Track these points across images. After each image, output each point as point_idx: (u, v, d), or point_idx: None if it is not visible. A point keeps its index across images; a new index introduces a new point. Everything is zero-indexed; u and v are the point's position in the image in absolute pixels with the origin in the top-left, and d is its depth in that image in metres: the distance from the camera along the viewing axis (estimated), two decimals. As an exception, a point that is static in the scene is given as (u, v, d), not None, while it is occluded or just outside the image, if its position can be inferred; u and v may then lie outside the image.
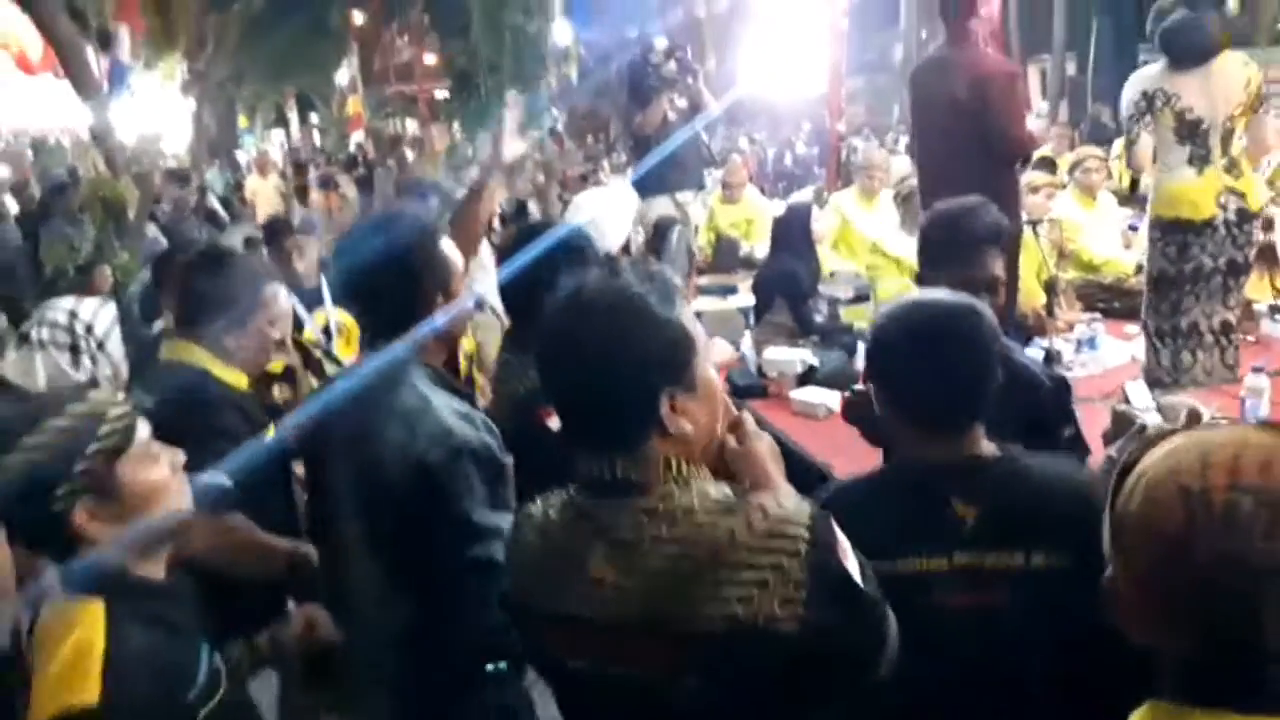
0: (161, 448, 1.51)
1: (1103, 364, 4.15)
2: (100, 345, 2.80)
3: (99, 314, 2.85)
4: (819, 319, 4.57)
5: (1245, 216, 3.53)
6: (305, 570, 2.08)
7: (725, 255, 6.04)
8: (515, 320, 2.54)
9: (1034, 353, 4.15)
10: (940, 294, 1.74)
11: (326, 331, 3.16)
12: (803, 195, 6.89)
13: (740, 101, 13.54)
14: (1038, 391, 2.13)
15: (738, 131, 15.75)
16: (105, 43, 8.91)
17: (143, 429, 1.49)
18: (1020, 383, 2.06)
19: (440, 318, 1.92)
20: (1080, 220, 5.21)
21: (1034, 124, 4.20)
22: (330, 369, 2.97)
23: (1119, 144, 4.42)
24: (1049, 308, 4.28)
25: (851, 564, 1.28)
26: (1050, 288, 4.32)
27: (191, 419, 2.11)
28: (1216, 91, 3.46)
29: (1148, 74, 3.61)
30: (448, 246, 1.97)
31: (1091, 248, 5.12)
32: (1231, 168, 3.54)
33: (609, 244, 2.93)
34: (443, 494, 1.77)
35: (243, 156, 17.66)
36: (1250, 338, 4.14)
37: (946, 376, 1.61)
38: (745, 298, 5.13)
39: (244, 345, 2.37)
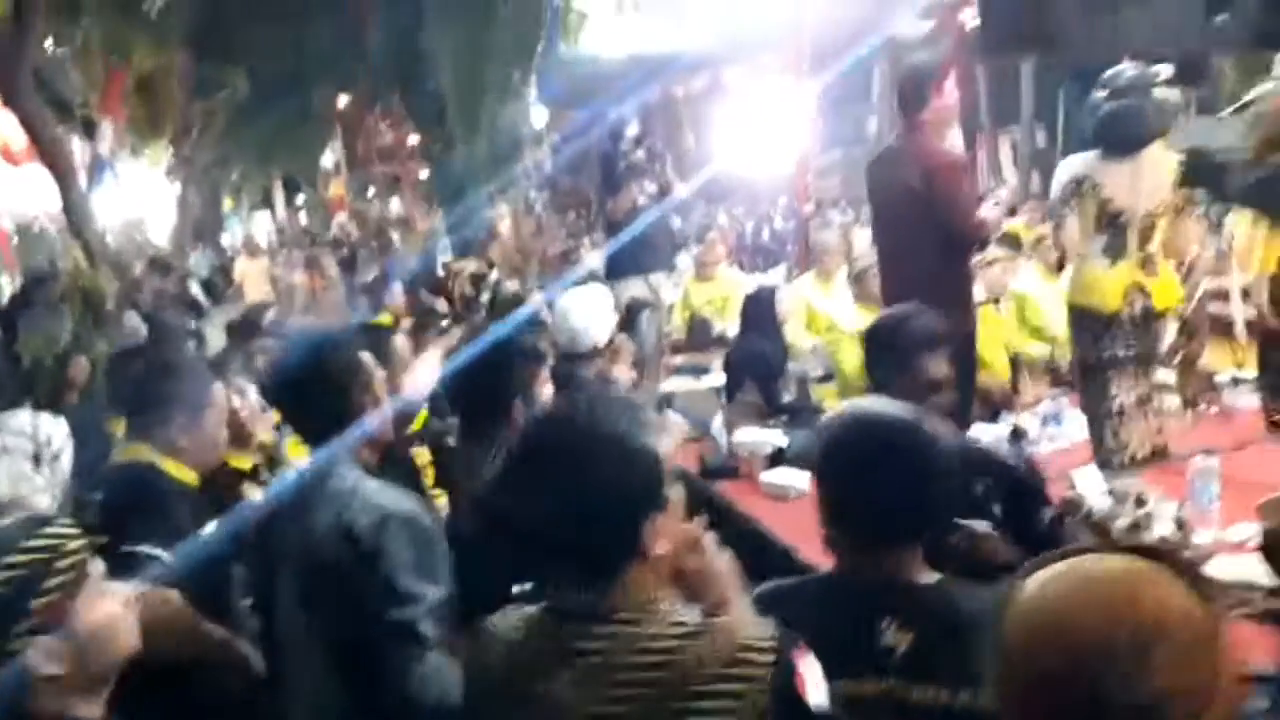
0: (112, 584, 1.52)
1: (1069, 438, 4.19)
2: (55, 458, 2.88)
3: (55, 429, 2.94)
4: (787, 398, 4.62)
5: (1150, 315, 3.57)
6: (240, 664, 2.07)
7: (699, 335, 6.11)
8: (468, 415, 2.58)
9: (1000, 429, 4.20)
10: (884, 406, 1.72)
11: (279, 428, 3.21)
12: (774, 274, 7.00)
13: (719, 178, 13.80)
14: (1010, 475, 2.14)
15: (716, 208, 16.00)
16: (90, 133, 9.06)
17: (96, 564, 1.51)
18: (990, 470, 2.09)
19: (367, 422, 2.03)
20: (1043, 296, 5.30)
21: (990, 211, 4.25)
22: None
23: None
24: (1014, 383, 4.33)
25: (813, 691, 1.27)
26: (1014, 363, 4.38)
27: (139, 509, 2.23)
28: (1142, 185, 3.48)
29: (1079, 159, 3.65)
30: (367, 357, 2.10)
31: (1054, 323, 5.20)
32: (1146, 263, 3.56)
33: (597, 339, 2.99)
34: (369, 559, 1.83)
35: (227, 239, 17.83)
36: (1213, 409, 4.20)
37: (882, 494, 1.57)
38: (718, 377, 5.17)
39: (195, 444, 2.44)
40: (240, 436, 2.98)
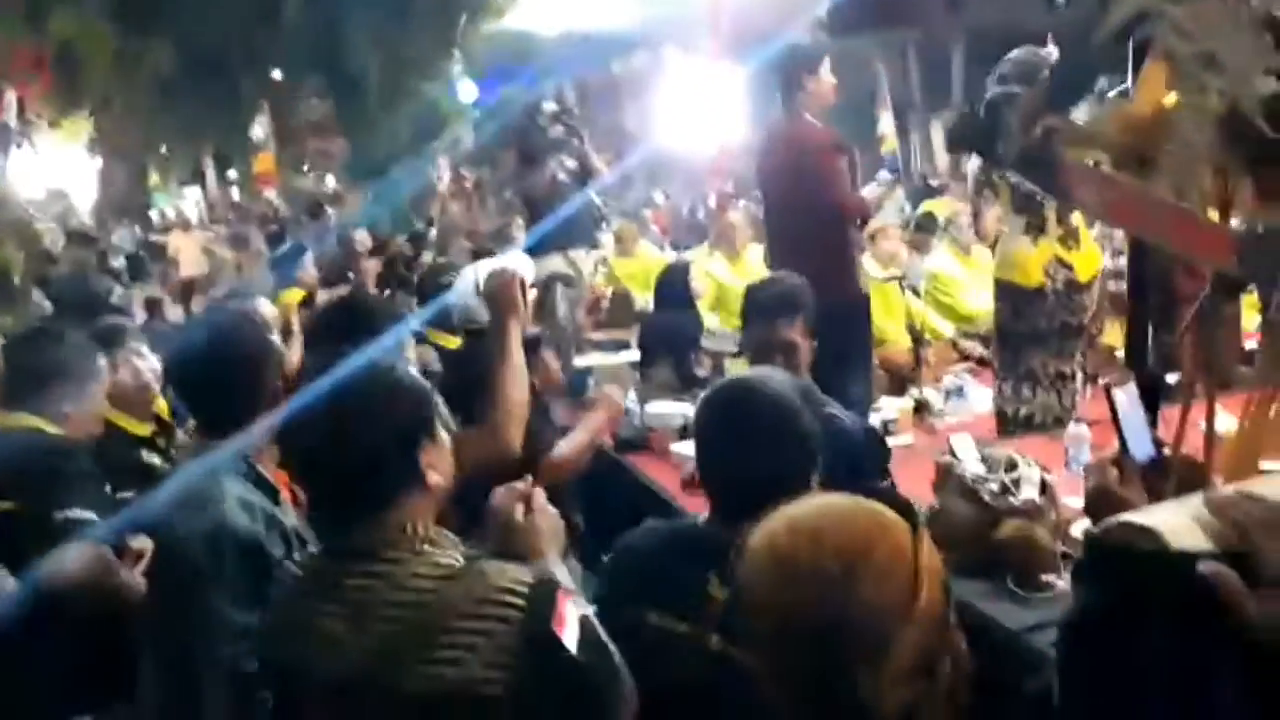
0: None
1: (973, 411, 4.31)
2: None
3: None
4: (701, 373, 4.66)
5: (1073, 287, 3.75)
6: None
7: (619, 310, 6.13)
8: None
9: (904, 402, 4.29)
10: (766, 380, 1.80)
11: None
12: (697, 251, 7.05)
13: (657, 156, 13.81)
14: (850, 443, 2.21)
15: (653, 187, 16.00)
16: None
17: None
18: (834, 437, 2.14)
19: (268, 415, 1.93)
20: (956, 275, 5.42)
21: (872, 191, 4.42)
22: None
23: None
24: (916, 358, 4.43)
25: (569, 634, 1.33)
26: (917, 338, 4.48)
27: (40, 471, 2.21)
28: None
29: None
30: (277, 340, 2.12)
31: (968, 302, 5.33)
32: (1067, 238, 3.71)
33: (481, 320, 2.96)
34: (199, 579, 1.78)
35: (156, 215, 17.37)
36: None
37: (748, 465, 1.66)
38: (636, 353, 5.21)
39: (78, 414, 2.43)
40: (139, 402, 2.94)
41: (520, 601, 1.32)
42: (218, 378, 1.97)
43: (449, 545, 1.42)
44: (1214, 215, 1.65)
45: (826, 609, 0.90)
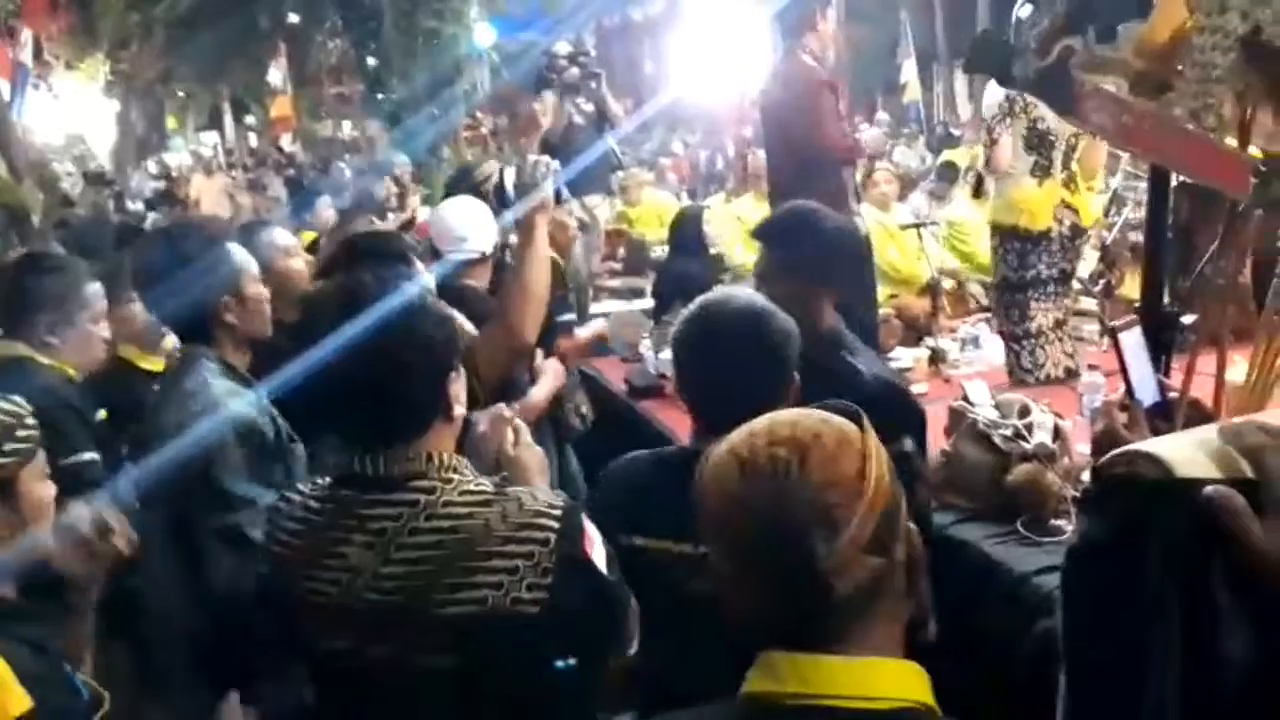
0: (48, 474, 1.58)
1: (988, 362, 4.29)
2: None
3: None
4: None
5: (1077, 232, 3.72)
6: None
7: (634, 258, 6.11)
8: None
9: (920, 353, 4.27)
10: (736, 294, 1.81)
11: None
12: (715, 199, 7.00)
13: (677, 104, 13.64)
14: (865, 396, 2.17)
15: (673, 135, 15.85)
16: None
17: (42, 452, 1.57)
18: (842, 389, 2.11)
19: (238, 316, 2.03)
20: (975, 222, 5.36)
21: (868, 132, 4.54)
22: None
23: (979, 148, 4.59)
24: (934, 308, 4.40)
25: (598, 555, 1.38)
26: (934, 288, 4.45)
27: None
28: None
29: None
30: (237, 250, 2.07)
31: (985, 250, 5.27)
32: (1069, 182, 3.68)
33: (478, 245, 2.94)
34: (200, 462, 1.85)
35: (172, 159, 17.36)
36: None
37: (721, 375, 1.66)
38: (650, 301, 5.21)
39: (68, 343, 2.43)
40: (150, 338, 2.96)
41: (555, 524, 1.34)
42: (178, 285, 1.98)
43: (470, 473, 1.41)
44: (1232, 141, 1.62)
45: (780, 489, 0.94)
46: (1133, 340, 1.51)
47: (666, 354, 4.47)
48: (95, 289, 2.51)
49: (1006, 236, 3.72)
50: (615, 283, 5.95)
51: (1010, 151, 3.70)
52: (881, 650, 0.97)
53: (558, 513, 1.36)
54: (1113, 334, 1.47)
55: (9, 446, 1.49)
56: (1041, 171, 3.63)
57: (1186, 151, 1.61)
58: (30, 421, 1.53)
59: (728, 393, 1.59)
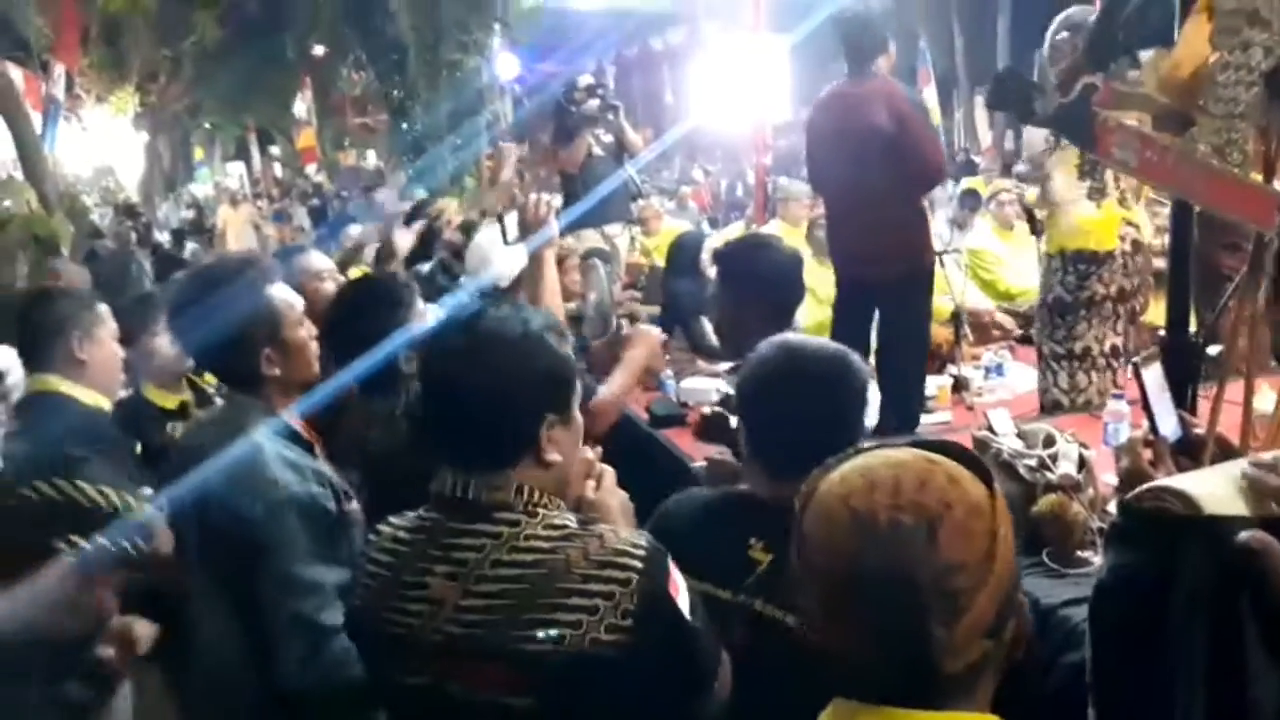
0: None
1: (1012, 390, 4.25)
2: (4, 395, 2.88)
3: (12, 362, 2.93)
4: (712, 341, 4.69)
5: (1138, 248, 3.67)
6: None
7: (655, 287, 6.13)
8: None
9: (943, 381, 4.25)
10: (811, 341, 1.80)
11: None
12: (735, 227, 7.03)
13: (697, 133, 13.73)
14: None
15: (693, 164, 15.95)
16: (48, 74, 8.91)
17: None
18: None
19: (281, 366, 1.91)
20: (997, 251, 5.35)
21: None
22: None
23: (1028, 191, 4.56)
24: (957, 336, 4.38)
25: (682, 599, 1.34)
26: (958, 316, 4.42)
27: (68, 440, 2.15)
28: None
29: None
30: (279, 291, 1.95)
31: (1007, 278, 5.26)
32: (1122, 200, 3.67)
33: (500, 274, 2.98)
34: (263, 547, 1.75)
35: (198, 190, 17.62)
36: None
37: (794, 422, 1.62)
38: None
39: (98, 360, 2.46)
40: (171, 375, 2.98)
41: (638, 564, 1.31)
42: (231, 332, 1.86)
43: (557, 509, 1.39)
44: (1257, 177, 1.61)
45: (903, 566, 0.88)
46: (1154, 375, 1.50)
47: (686, 384, 4.50)
48: (105, 309, 2.56)
49: (1071, 259, 3.68)
50: (636, 310, 5.97)
51: (1063, 184, 3.68)
52: (971, 708, 0.93)
53: (642, 552, 1.32)
54: (1135, 369, 1.46)
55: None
56: (1097, 194, 3.63)
57: (1211, 186, 1.60)
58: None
59: (804, 438, 1.51)
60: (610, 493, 1.55)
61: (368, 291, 2.38)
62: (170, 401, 2.97)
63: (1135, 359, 1.49)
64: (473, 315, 1.40)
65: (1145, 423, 1.43)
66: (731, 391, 4.26)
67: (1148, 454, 1.34)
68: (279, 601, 1.74)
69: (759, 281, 2.47)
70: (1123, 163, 1.73)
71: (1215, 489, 0.80)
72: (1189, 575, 0.77)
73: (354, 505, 1.92)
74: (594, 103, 5.29)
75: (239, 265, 1.99)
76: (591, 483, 1.54)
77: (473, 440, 1.37)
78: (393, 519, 1.47)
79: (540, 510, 1.36)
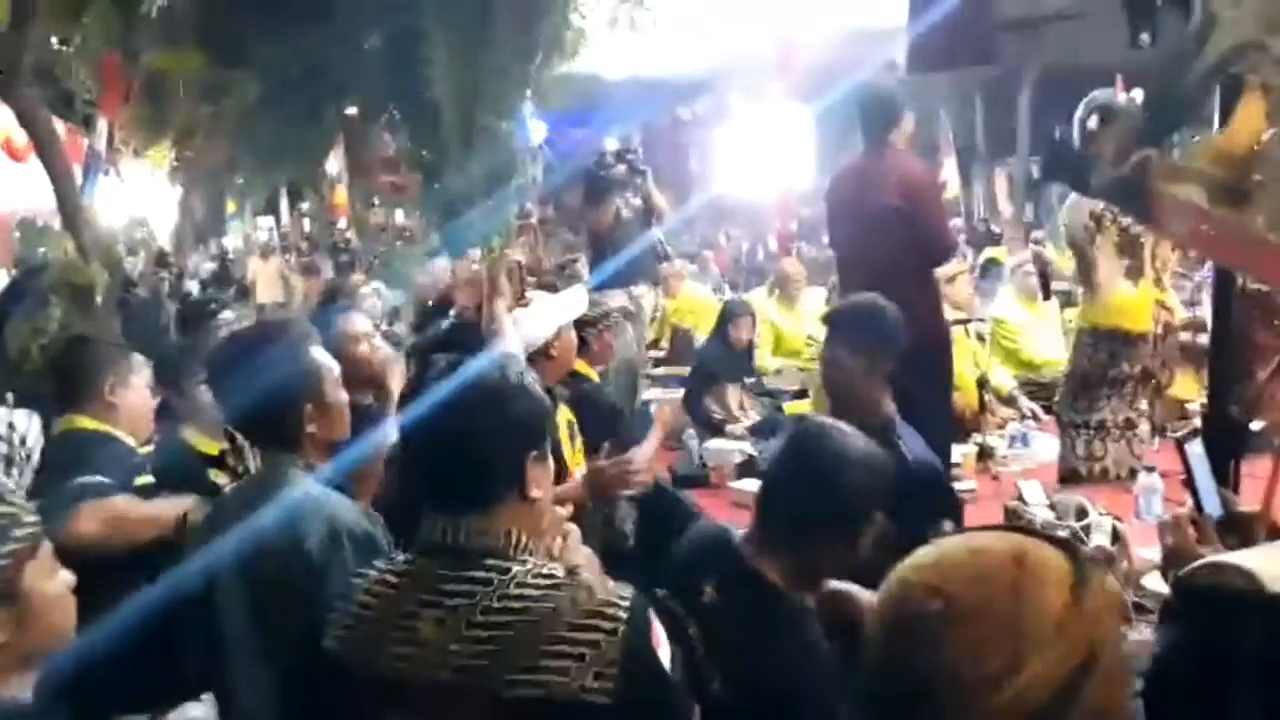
0: (58, 565, 1.48)
1: (1036, 459, 4.24)
2: (28, 457, 2.91)
3: (31, 426, 2.97)
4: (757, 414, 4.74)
5: (1169, 330, 3.70)
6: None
7: (680, 349, 6.18)
8: None
9: (968, 449, 4.23)
10: (824, 425, 1.93)
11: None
12: (756, 293, 7.10)
13: (721, 198, 13.89)
14: (917, 483, 2.17)
15: (716, 229, 16.10)
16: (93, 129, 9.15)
17: (48, 544, 1.47)
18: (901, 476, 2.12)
19: (319, 425, 1.94)
20: (1021, 321, 5.36)
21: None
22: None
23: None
24: (981, 403, 4.37)
25: (664, 652, 1.37)
26: (982, 385, 4.42)
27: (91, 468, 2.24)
28: None
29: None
30: (318, 354, 1.99)
31: (1031, 348, 5.26)
32: (1158, 281, 3.69)
33: (531, 337, 3.00)
34: (322, 579, 1.73)
35: (229, 243, 17.92)
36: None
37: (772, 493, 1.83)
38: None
39: (128, 404, 2.48)
40: (211, 422, 3.00)
41: (624, 614, 1.34)
42: (257, 390, 1.88)
43: (544, 556, 1.44)
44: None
45: (898, 649, 0.84)
46: (1197, 451, 1.50)
47: (710, 445, 4.51)
48: (139, 358, 2.60)
49: (1103, 336, 3.72)
50: (659, 371, 6.01)
51: (1106, 270, 3.72)
52: None
53: (626, 603, 1.36)
54: (1179, 445, 1.46)
55: (7, 548, 1.38)
56: (1135, 273, 3.66)
57: (1266, 261, 1.61)
58: (30, 518, 1.44)
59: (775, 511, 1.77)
60: (575, 550, 1.61)
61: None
62: (212, 448, 2.98)
63: (1178, 434, 1.49)
64: (450, 365, 1.47)
65: (1189, 500, 1.43)
66: (755, 454, 4.29)
67: (1193, 532, 1.34)
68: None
69: (878, 342, 2.48)
70: (1179, 235, 1.74)
71: (1273, 565, 0.79)
72: (1251, 652, 0.76)
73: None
74: (622, 167, 5.39)
75: (278, 326, 2.05)
76: (560, 540, 1.60)
77: (461, 480, 1.41)
78: (378, 563, 1.51)
79: (528, 558, 1.40)
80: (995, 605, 0.81)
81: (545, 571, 1.39)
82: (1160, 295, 3.69)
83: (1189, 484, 1.44)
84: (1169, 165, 1.63)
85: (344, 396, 2.03)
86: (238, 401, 1.97)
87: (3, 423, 2.92)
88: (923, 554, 0.90)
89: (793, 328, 5.85)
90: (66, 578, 1.49)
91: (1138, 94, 3.65)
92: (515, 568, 1.38)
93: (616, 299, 5.73)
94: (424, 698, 1.36)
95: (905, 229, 3.75)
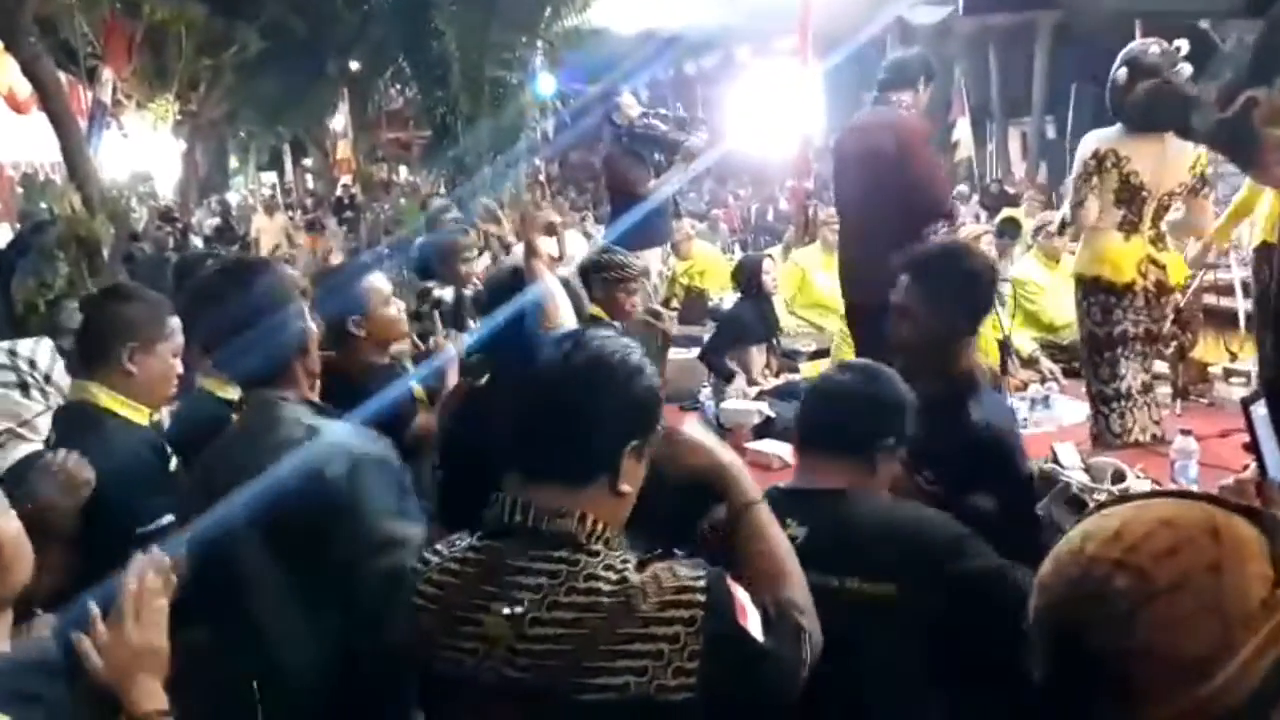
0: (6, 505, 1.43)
1: (1058, 422, 4.18)
2: (47, 378, 2.83)
3: (38, 350, 2.89)
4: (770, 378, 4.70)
5: (1163, 289, 3.57)
6: None
7: (694, 308, 6.11)
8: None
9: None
10: (866, 364, 1.98)
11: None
12: (774, 250, 7.02)
13: (729, 156, 13.75)
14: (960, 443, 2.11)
15: (723, 188, 15.96)
16: (95, 81, 9.04)
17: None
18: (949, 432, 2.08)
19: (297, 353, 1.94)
20: (1042, 282, 5.29)
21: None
22: None
23: (1065, 207, 4.46)
24: (1003, 366, 4.31)
25: (751, 621, 1.29)
26: (1004, 347, 4.36)
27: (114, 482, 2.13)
28: (1168, 163, 3.49)
29: (1103, 134, 3.65)
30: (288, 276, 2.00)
31: (1051, 310, 5.19)
32: (1157, 240, 3.58)
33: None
34: (346, 509, 1.72)
35: (233, 198, 17.80)
36: (1204, 400, 4.19)
37: (818, 419, 1.86)
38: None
39: (146, 373, 2.37)
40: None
41: (700, 598, 1.26)
42: (235, 320, 1.89)
43: (618, 548, 1.35)
44: None
45: (1088, 629, 0.77)
46: (1261, 413, 1.44)
47: (726, 405, 4.46)
48: (176, 324, 2.49)
49: (1090, 289, 3.63)
50: (674, 331, 5.95)
51: (1097, 210, 3.62)
52: None
53: (702, 584, 1.27)
54: (1244, 407, 1.40)
55: None
56: (1130, 227, 3.56)
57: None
58: None
59: (815, 434, 1.81)
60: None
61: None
62: (228, 392, 2.94)
63: (1244, 396, 1.43)
64: (576, 333, 1.40)
65: (1253, 464, 1.38)
66: (773, 415, 4.25)
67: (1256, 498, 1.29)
68: (370, 560, 1.70)
69: (956, 289, 2.34)
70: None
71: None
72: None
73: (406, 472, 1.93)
74: (663, 126, 5.32)
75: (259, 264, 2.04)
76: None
77: (556, 449, 1.34)
78: (440, 548, 1.42)
79: (601, 549, 1.31)
80: (1194, 580, 0.74)
81: (616, 564, 1.30)
82: (1155, 253, 3.56)
83: (1253, 447, 1.39)
84: (1274, 106, 1.56)
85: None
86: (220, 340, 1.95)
87: (3, 355, 2.85)
88: (1094, 525, 0.82)
89: (823, 280, 5.70)
90: (12, 515, 1.43)
91: (1182, 44, 3.54)
92: (585, 559, 1.30)
93: (653, 258, 5.72)
94: (490, 699, 1.29)
95: (896, 180, 3.74)
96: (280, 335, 1.91)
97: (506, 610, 1.28)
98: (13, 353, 2.79)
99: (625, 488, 1.35)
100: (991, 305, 2.54)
